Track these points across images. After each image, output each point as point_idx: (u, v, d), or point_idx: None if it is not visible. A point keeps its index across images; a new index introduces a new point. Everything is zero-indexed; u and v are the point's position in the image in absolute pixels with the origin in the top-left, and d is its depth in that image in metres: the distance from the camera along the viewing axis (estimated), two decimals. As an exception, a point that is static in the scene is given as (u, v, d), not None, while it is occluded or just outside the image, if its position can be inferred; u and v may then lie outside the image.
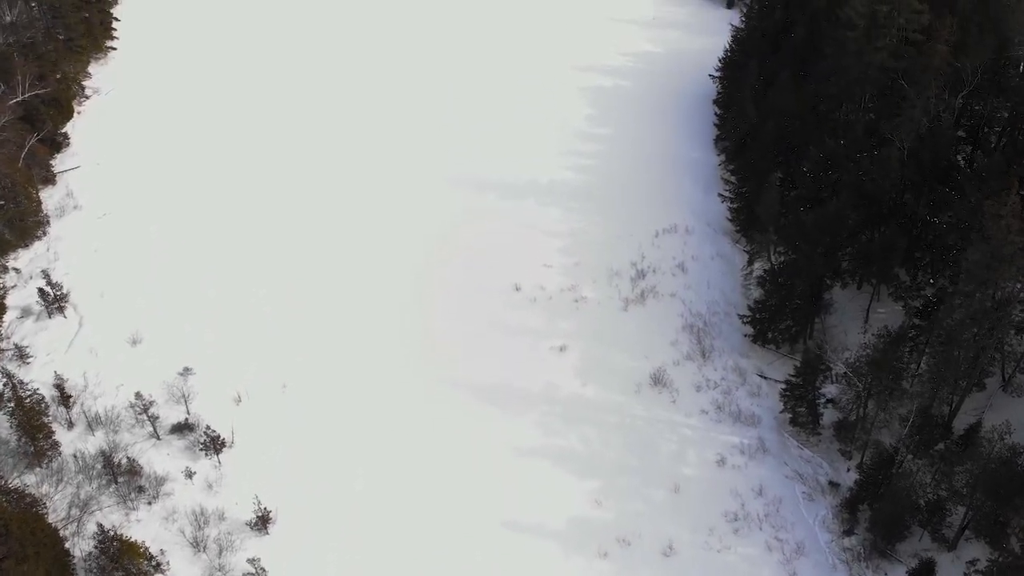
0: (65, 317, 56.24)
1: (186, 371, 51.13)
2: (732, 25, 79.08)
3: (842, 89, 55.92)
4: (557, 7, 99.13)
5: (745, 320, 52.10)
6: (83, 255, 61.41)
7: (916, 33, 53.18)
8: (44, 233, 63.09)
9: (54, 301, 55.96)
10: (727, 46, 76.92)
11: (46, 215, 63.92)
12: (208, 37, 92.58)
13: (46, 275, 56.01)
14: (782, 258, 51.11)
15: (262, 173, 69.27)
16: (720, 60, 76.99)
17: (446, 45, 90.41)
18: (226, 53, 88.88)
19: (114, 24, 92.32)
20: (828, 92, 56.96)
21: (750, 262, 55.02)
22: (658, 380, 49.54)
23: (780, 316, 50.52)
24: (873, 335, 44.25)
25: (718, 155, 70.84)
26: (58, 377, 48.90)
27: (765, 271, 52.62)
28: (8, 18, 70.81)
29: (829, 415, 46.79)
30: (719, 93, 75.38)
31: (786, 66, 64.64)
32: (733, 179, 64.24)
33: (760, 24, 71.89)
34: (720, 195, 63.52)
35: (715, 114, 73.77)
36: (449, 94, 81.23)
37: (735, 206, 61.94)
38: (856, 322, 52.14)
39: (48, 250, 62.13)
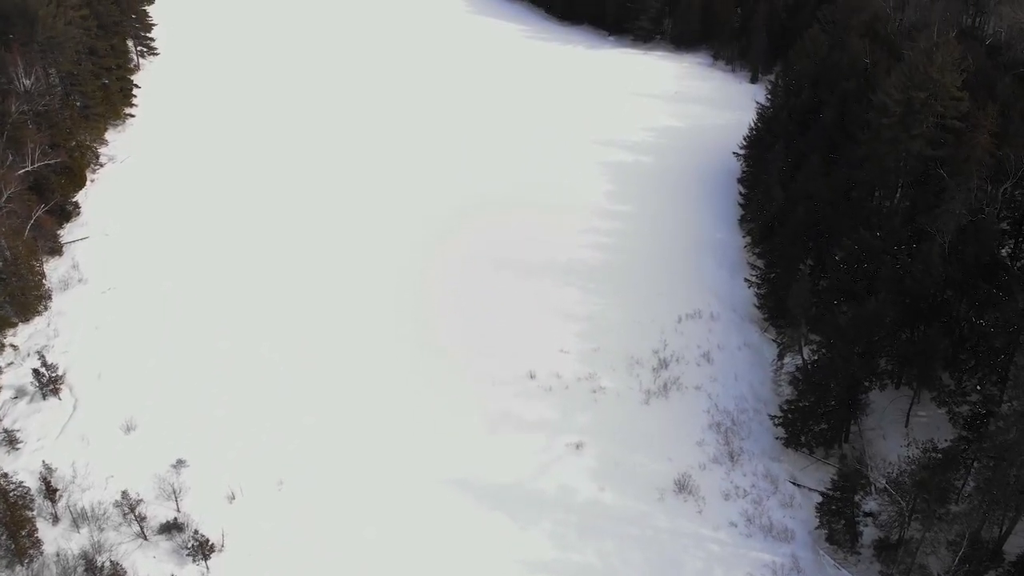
0: (60, 399, 53.77)
1: (179, 463, 48.22)
2: (757, 102, 77.31)
3: (876, 176, 53.44)
4: (578, 81, 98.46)
5: (776, 421, 48.69)
6: (84, 332, 59.30)
7: (955, 120, 50.85)
8: (46, 308, 61.14)
9: (49, 383, 53.58)
10: (752, 124, 75.05)
11: (48, 289, 62.07)
12: (226, 104, 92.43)
13: (41, 356, 53.83)
14: (815, 355, 47.90)
15: (275, 253, 67.16)
16: (745, 138, 75.04)
17: (466, 118, 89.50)
18: (244, 122, 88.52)
19: (134, 91, 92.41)
20: (861, 178, 54.44)
21: (780, 356, 51.83)
22: (683, 486, 46.01)
23: (814, 418, 47.13)
24: (918, 449, 40.69)
25: (743, 236, 68.25)
26: (46, 467, 46.26)
27: (797, 368, 49.41)
28: (25, 82, 70.17)
29: (869, 532, 42.96)
30: (744, 172, 73.20)
31: (815, 148, 62.44)
32: (760, 264, 61.47)
33: (787, 103, 69.99)
34: (747, 280, 60.66)
35: (740, 193, 71.46)
36: (467, 169, 79.70)
37: (763, 291, 59.08)
38: (896, 426, 48.59)
39: (48, 325, 60.12)
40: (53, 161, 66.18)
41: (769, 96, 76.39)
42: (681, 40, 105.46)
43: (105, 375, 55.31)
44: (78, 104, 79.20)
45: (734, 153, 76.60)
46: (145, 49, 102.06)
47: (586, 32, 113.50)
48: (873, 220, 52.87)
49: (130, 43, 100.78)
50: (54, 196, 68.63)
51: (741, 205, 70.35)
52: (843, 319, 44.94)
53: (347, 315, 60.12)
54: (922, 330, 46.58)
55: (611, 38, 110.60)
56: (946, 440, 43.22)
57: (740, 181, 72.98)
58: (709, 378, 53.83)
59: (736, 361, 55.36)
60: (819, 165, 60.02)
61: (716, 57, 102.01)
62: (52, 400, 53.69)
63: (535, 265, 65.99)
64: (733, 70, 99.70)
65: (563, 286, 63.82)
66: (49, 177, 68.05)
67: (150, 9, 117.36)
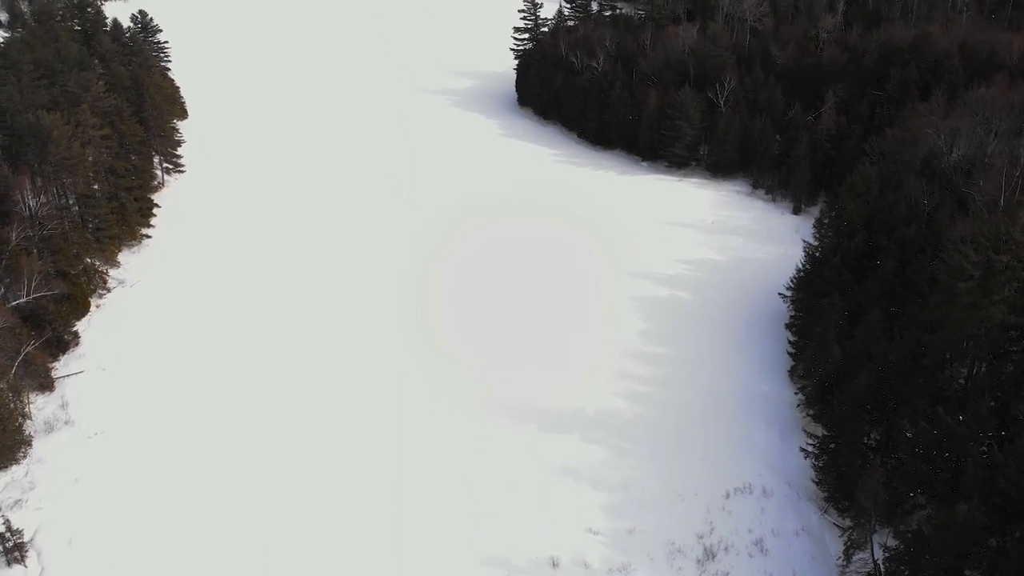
0: (25, 567, 47.85)
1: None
2: (805, 241, 72.04)
3: (951, 345, 47.10)
4: (611, 207, 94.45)
5: (846, 642, 40.92)
6: (62, 484, 53.71)
7: (1042, 285, 44.92)
8: (25, 455, 55.81)
9: (14, 548, 47.76)
10: (800, 264, 69.49)
11: (30, 435, 56.94)
12: (249, 226, 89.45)
13: (6, 520, 48.03)
14: (890, 563, 40.47)
15: (287, 409, 61.74)
16: (792, 279, 69.35)
17: (495, 245, 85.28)
18: (266, 246, 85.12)
19: (154, 210, 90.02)
20: (933, 345, 48.12)
21: (847, 555, 44.31)
22: None
23: (892, 641, 39.38)
24: None
25: (795, 392, 61.54)
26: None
27: (869, 575, 41.92)
28: (32, 206, 67.28)
29: None
30: (793, 317, 67.12)
31: (875, 301, 56.52)
32: (816, 430, 54.59)
33: (838, 246, 64.53)
34: (802, 449, 53.65)
35: (789, 341, 65.19)
36: (496, 304, 74.69)
37: (821, 463, 51.97)
38: (991, 651, 40.51)
39: (26, 475, 54.69)
40: (51, 293, 62.23)
41: (816, 234, 71.07)
42: (718, 167, 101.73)
43: (77, 540, 49.31)
44: (91, 226, 76.35)
45: (780, 294, 70.81)
46: (171, 166, 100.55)
47: (619, 157, 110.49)
48: (950, 396, 46.25)
49: (156, 159, 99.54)
50: (52, 326, 64.55)
51: (791, 355, 63.98)
52: (926, 527, 37.79)
53: (354, 461, 53.95)
54: (1017, 537, 39.16)
55: (644, 164, 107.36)
56: None
57: (789, 327, 66.83)
58: (764, 574, 46.23)
59: (794, 552, 47.73)
60: (880, 321, 53.90)
61: (755, 186, 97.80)
62: (17, 568, 47.77)
63: (562, 417, 59.69)
64: (774, 200, 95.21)
65: (592, 443, 57.25)
66: (47, 307, 64.14)
67: (184, 124, 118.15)
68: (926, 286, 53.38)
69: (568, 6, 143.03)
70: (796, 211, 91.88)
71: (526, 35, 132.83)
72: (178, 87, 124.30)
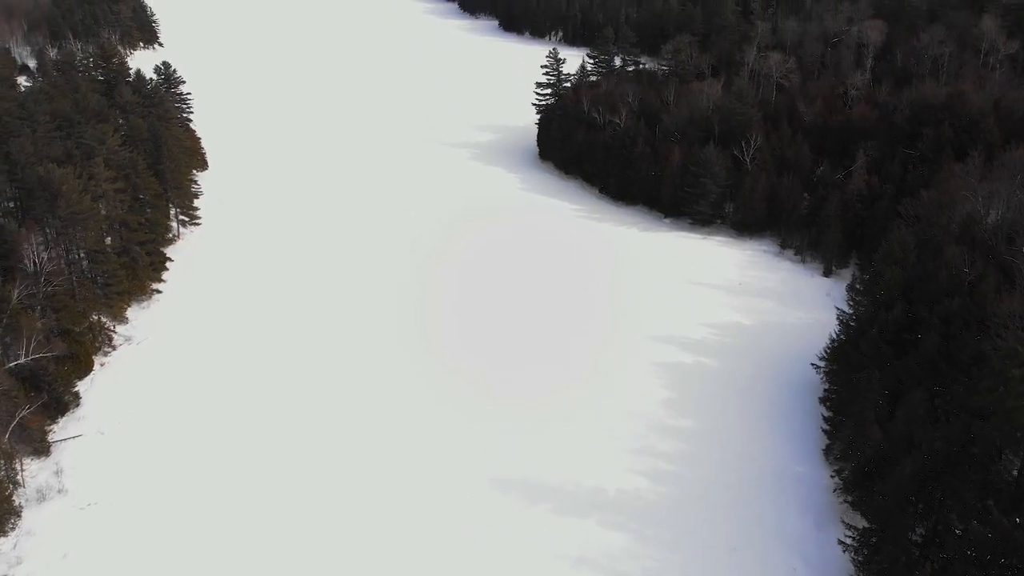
0: (3, 651, 44.81)
1: None
2: (837, 308, 68.60)
3: (1004, 434, 43.27)
4: (632, 265, 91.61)
5: None
6: (49, 560, 50.82)
7: (1105, 372, 41.19)
8: (13, 527, 53.01)
9: (-8, 634, 44.81)
10: (833, 334, 65.98)
11: (20, 505, 54.22)
12: (261, 282, 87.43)
13: (-16, 606, 45.25)
14: None
15: (294, 473, 58.83)
16: (826, 350, 65.78)
17: (508, 302, 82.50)
18: (277, 303, 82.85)
19: (167, 263, 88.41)
20: (983, 433, 44.26)
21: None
22: None
23: None
24: None
25: (831, 475, 57.44)
26: None
27: None
28: (37, 262, 65.46)
29: None
30: (827, 391, 63.33)
31: (917, 380, 52.83)
32: (856, 522, 50.45)
33: (875, 317, 60.98)
34: (841, 542, 49.47)
35: (824, 417, 61.37)
36: (509, 371, 71.64)
37: (861, 558, 47.82)
38: None
39: (14, 548, 51.94)
40: (50, 354, 60.03)
41: (851, 301, 67.62)
42: (744, 225, 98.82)
43: (58, 627, 46.24)
44: (99, 281, 74.59)
45: (813, 365, 67.16)
46: (187, 219, 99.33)
47: (641, 213, 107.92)
48: (1003, 489, 42.28)
49: (173, 211, 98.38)
50: (51, 387, 62.27)
51: (826, 432, 60.12)
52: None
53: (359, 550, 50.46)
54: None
55: (667, 220, 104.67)
56: None
57: (823, 401, 63.01)
58: None
59: (834, 662, 43.54)
60: (923, 402, 50.18)
61: (784, 245, 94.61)
62: (-6, 652, 44.78)
63: (580, 497, 56.04)
64: (803, 260, 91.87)
65: (611, 529, 53.46)
66: (47, 367, 61.88)
67: (203, 175, 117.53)
68: (972, 365, 49.77)
69: (591, 61, 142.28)
70: (827, 273, 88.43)
71: (548, 90, 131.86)
72: (199, 138, 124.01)
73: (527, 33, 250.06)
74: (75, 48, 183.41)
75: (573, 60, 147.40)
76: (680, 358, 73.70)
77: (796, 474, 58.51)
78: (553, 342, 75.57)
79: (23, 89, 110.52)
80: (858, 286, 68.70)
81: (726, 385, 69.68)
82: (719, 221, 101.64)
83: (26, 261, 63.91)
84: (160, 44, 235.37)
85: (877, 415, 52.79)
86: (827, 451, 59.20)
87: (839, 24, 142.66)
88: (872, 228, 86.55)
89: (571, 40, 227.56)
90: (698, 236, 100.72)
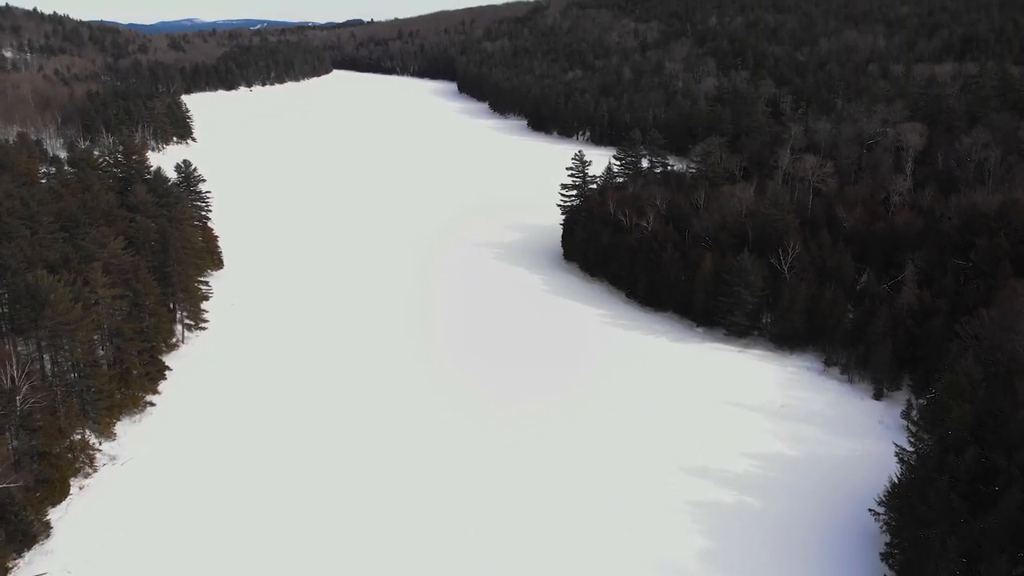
0: None
1: None
2: (896, 445, 60.85)
3: None
4: (662, 381, 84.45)
5: None
6: None
7: None
8: None
9: None
10: (894, 476, 58.04)
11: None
12: (266, 396, 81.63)
13: None
14: None
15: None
16: (885, 495, 57.73)
17: (528, 425, 75.52)
18: (281, 420, 76.78)
19: (165, 373, 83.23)
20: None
21: None
22: None
23: None
24: None
25: (899, 654, 48.79)
26: None
27: None
28: (15, 375, 60.36)
29: None
30: (888, 545, 54.99)
31: (1000, 547, 44.70)
32: None
33: (943, 462, 53.09)
34: None
35: (886, 578, 53.01)
36: (509, 505, 64.22)
37: None
38: None
39: None
40: (14, 485, 54.11)
41: (911, 437, 59.93)
42: (783, 338, 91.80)
43: None
44: (86, 396, 69.22)
45: (871, 511, 58.96)
46: (193, 323, 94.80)
47: (671, 321, 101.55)
48: None
49: (179, 314, 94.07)
50: (19, 516, 56.15)
51: (891, 598, 51.65)
52: None
53: None
54: None
55: (699, 330, 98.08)
56: None
57: (885, 559, 54.56)
58: None
59: None
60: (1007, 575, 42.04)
61: (828, 363, 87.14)
62: None
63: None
64: (851, 380, 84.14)
65: None
66: (14, 496, 55.91)
67: (218, 274, 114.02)
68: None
69: (617, 163, 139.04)
70: (878, 396, 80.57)
71: (573, 191, 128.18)
72: (216, 236, 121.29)
73: (555, 132, 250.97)
74: (107, 142, 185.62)
75: (600, 160, 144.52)
76: (717, 496, 65.56)
77: (859, 650, 49.85)
78: (559, 481, 67.84)
79: (44, 182, 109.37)
80: (916, 418, 61.08)
81: (773, 531, 61.26)
82: (756, 332, 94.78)
83: (3, 378, 58.81)
84: (193, 139, 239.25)
85: (959, 589, 44.60)
86: (894, 622, 50.63)
87: (873, 126, 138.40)
88: (926, 348, 79.20)
89: (598, 140, 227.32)
90: (734, 349, 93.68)
